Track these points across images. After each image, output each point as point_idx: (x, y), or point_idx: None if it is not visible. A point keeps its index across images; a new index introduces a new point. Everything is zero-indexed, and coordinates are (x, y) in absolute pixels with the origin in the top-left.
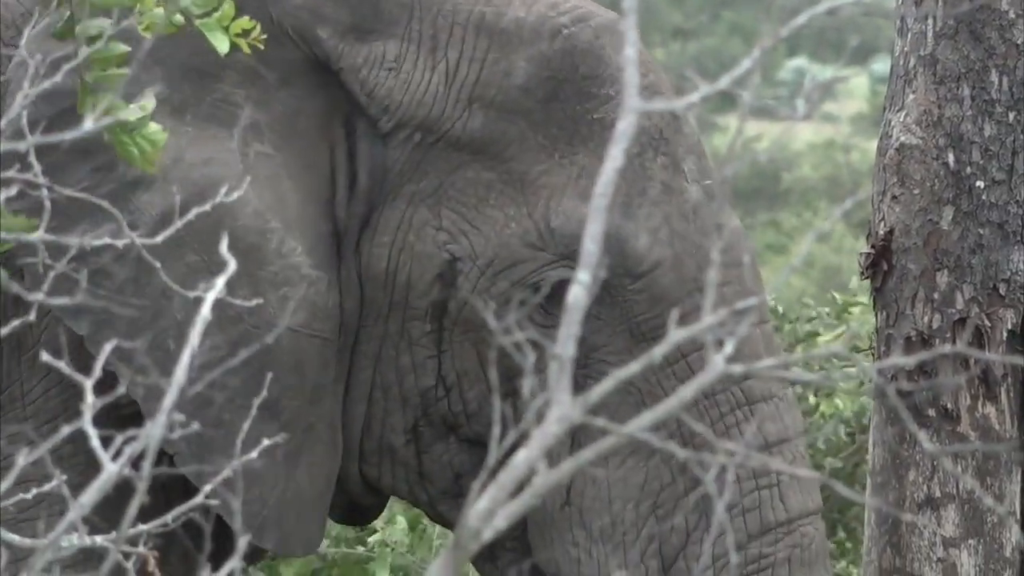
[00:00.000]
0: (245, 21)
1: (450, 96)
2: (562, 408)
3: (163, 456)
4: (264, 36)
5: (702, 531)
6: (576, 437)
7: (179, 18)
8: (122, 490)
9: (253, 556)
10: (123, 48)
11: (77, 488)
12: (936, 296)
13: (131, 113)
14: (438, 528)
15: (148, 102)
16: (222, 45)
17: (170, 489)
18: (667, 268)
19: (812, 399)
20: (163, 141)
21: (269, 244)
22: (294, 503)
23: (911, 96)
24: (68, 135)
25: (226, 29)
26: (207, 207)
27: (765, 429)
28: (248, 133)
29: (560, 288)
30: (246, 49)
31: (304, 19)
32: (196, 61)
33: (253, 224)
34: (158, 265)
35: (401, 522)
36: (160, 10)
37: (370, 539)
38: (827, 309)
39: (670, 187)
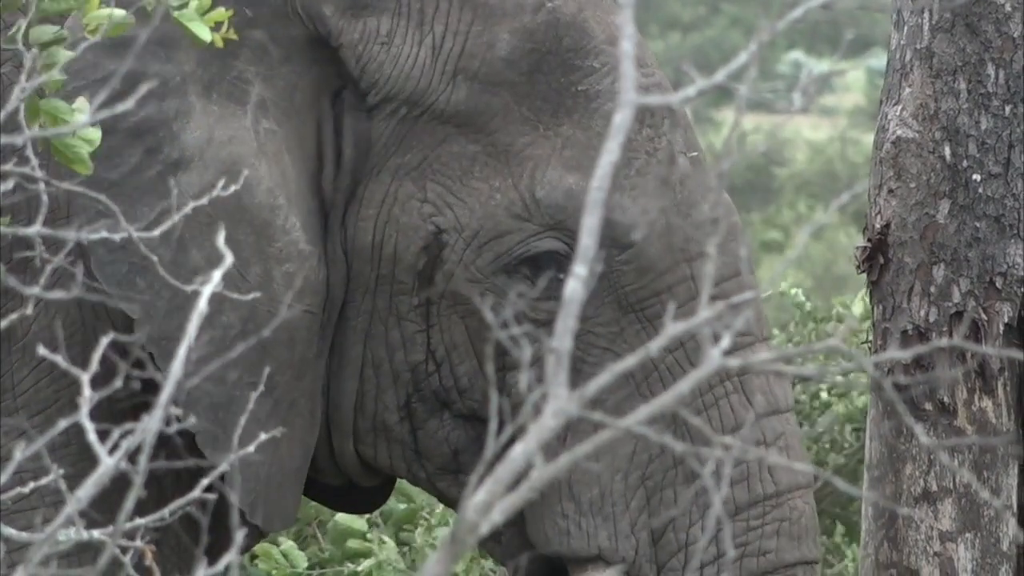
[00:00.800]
0: (220, 12)
1: (435, 69)
2: (559, 401)
3: (159, 449)
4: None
5: (691, 503)
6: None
7: (131, 18)
8: (117, 483)
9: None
10: (68, 54)
11: (71, 480)
12: (933, 290)
13: (67, 112)
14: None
15: (81, 104)
16: (204, 35)
17: (165, 480)
18: (654, 239)
19: (825, 396)
20: (98, 141)
21: (277, 220)
22: (276, 478)
23: (907, 89)
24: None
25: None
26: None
27: (756, 401)
28: (258, 110)
29: (545, 258)
30: (219, 43)
31: None
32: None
33: (266, 201)
34: (155, 258)
35: (391, 544)
36: (105, 11)
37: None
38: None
39: (656, 158)
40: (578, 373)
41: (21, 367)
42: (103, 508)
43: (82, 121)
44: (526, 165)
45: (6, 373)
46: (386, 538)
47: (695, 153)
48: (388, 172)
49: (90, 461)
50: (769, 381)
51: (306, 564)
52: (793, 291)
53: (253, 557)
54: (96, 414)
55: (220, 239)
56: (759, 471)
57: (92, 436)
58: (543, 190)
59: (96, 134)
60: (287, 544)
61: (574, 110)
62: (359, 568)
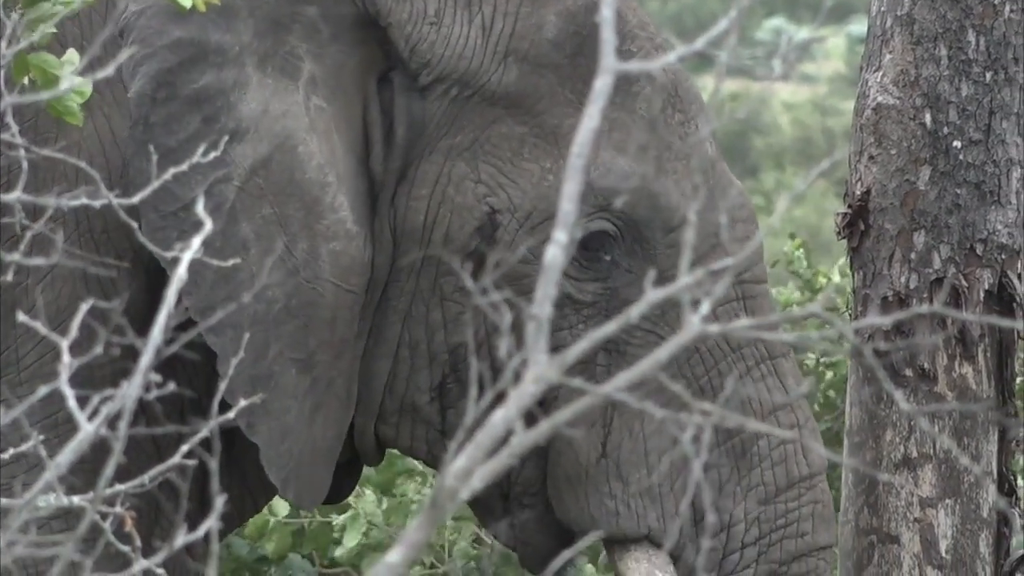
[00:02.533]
0: None
1: (487, 50)
2: (539, 368)
3: (139, 416)
4: None
5: (734, 484)
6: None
7: None
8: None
9: (230, 521)
10: (57, 9)
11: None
12: (913, 256)
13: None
14: (412, 493)
15: (71, 56)
16: (186, 1)
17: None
18: (699, 223)
19: (811, 362)
20: (88, 93)
21: (326, 198)
22: (309, 456)
23: (888, 56)
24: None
25: None
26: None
27: (788, 385)
28: (308, 86)
29: (595, 239)
30: (201, 7)
31: None
32: (277, 13)
33: (317, 178)
34: (135, 225)
35: (371, 495)
36: None
37: (339, 517)
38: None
39: (689, 143)
40: (622, 356)
41: (26, 341)
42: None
43: (70, 74)
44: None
45: (11, 347)
46: (367, 491)
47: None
48: (441, 152)
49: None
50: (795, 366)
51: (286, 512)
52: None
53: None
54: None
55: (199, 207)
56: (795, 453)
57: (72, 402)
58: (596, 172)
59: (87, 87)
60: None
61: (615, 93)
62: (337, 519)
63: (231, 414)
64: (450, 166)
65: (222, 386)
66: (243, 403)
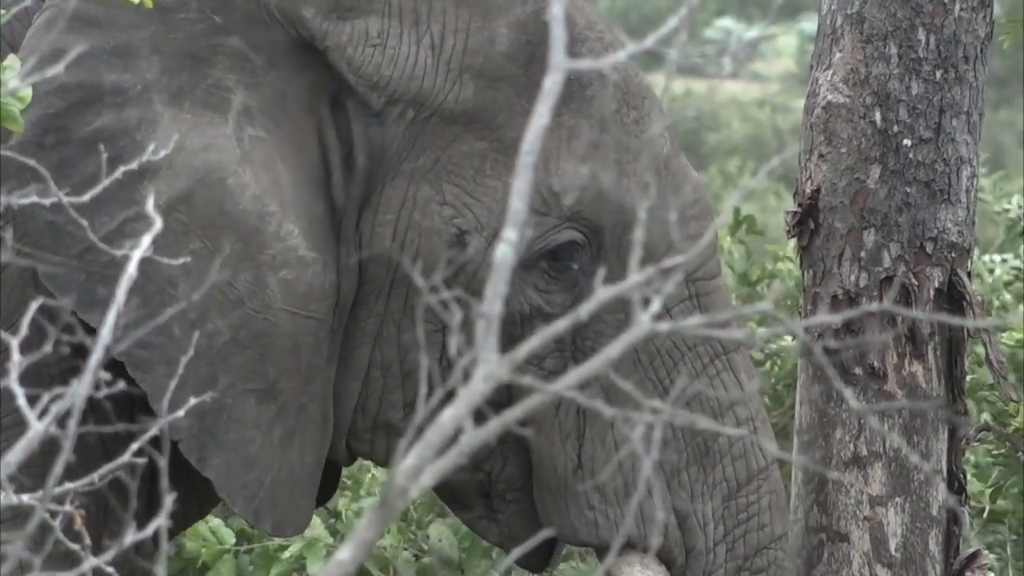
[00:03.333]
0: None
1: (439, 68)
2: (489, 366)
3: (88, 415)
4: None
5: (701, 483)
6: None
7: None
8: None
9: (185, 517)
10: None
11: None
12: (863, 254)
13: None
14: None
15: (11, 62)
16: None
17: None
18: (654, 221)
19: (759, 355)
20: (29, 98)
21: (268, 227)
22: (287, 484)
23: (838, 54)
24: None
25: None
26: (133, 165)
27: (742, 379)
28: (241, 117)
29: (563, 250)
30: (148, 4)
31: (288, 0)
32: (190, 47)
33: (253, 208)
34: (84, 223)
35: (317, 520)
36: None
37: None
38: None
39: (643, 142)
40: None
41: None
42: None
43: (10, 79)
44: (538, 160)
45: None
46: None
47: (668, 134)
48: (404, 176)
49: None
50: (748, 359)
51: (233, 540)
52: (727, 246)
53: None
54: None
55: (149, 204)
56: (752, 446)
57: (21, 400)
58: (559, 183)
59: (27, 92)
60: (215, 521)
61: (571, 99)
62: (289, 548)
63: (180, 412)
64: (414, 190)
65: (161, 421)
66: (193, 401)
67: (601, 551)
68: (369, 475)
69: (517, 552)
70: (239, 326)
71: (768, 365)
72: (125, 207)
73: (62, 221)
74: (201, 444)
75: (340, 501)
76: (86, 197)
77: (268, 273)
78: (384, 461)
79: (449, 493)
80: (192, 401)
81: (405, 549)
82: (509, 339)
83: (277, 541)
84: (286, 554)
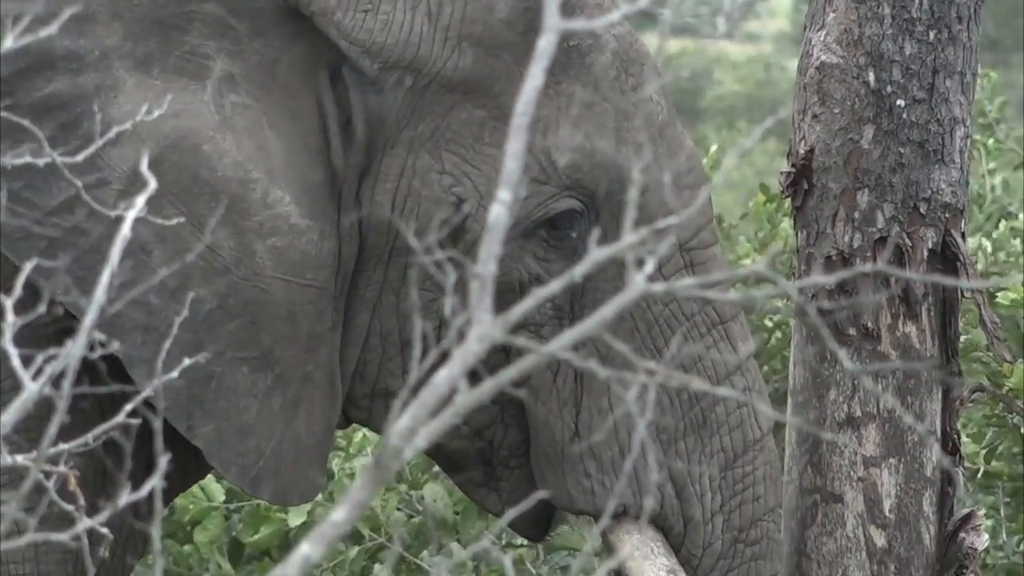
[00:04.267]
0: None
1: (436, 36)
2: (483, 327)
3: (83, 375)
4: None
5: (699, 452)
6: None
7: None
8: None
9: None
10: None
11: None
12: (857, 215)
13: None
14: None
15: None
16: None
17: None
18: (652, 189)
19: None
20: None
21: (252, 194)
22: (291, 452)
23: (832, 15)
24: None
25: None
26: (127, 125)
27: (740, 348)
28: (222, 85)
29: (562, 218)
30: None
31: None
32: (159, 14)
33: (233, 174)
34: (79, 184)
35: None
36: None
37: None
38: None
39: (642, 109)
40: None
41: None
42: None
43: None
44: (536, 127)
45: None
46: None
47: (666, 101)
48: (403, 145)
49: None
50: (745, 329)
51: (223, 498)
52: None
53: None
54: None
55: (143, 164)
56: (749, 416)
57: (16, 362)
58: (558, 151)
59: None
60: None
61: (569, 67)
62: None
63: (175, 373)
64: (413, 159)
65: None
66: (187, 362)
67: (598, 519)
68: (360, 435)
69: (511, 513)
70: (226, 294)
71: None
72: (84, 173)
73: (18, 187)
74: (189, 412)
75: (333, 461)
76: (79, 157)
77: (255, 240)
78: (381, 428)
79: (450, 462)
80: (186, 362)
81: (399, 509)
82: (508, 308)
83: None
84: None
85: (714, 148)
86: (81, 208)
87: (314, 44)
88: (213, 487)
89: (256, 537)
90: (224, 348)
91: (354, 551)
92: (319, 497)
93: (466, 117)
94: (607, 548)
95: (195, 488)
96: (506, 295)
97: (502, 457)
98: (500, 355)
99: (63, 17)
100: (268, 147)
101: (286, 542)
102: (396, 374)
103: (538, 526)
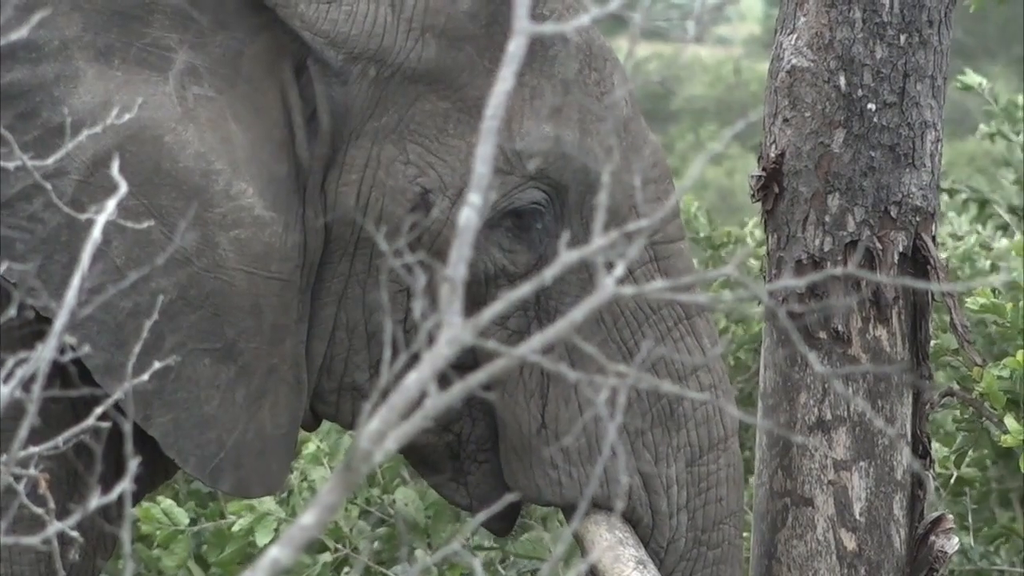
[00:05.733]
0: None
1: (400, 26)
2: (453, 330)
3: (53, 379)
4: None
5: (665, 446)
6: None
7: None
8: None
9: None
10: None
11: None
12: (827, 219)
13: None
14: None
15: None
16: None
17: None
18: (616, 183)
19: (723, 321)
20: None
21: (215, 186)
22: (254, 444)
23: (802, 19)
24: None
25: None
26: (97, 128)
27: (704, 344)
28: (185, 77)
29: (527, 210)
30: None
31: None
32: (120, 5)
33: (195, 166)
34: (48, 186)
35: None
36: None
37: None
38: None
39: (605, 103)
40: (552, 323)
41: None
42: None
43: None
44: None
45: None
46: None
47: (629, 94)
48: (368, 136)
49: None
50: (711, 324)
51: (187, 521)
52: (694, 210)
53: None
54: None
55: (114, 169)
56: (715, 413)
57: None
58: (522, 142)
59: None
60: (167, 502)
61: (532, 59)
62: (238, 522)
63: (145, 376)
64: (378, 149)
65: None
66: (157, 365)
67: (566, 510)
68: (315, 447)
69: (483, 515)
70: (187, 285)
71: (732, 331)
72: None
73: None
74: (147, 402)
75: (291, 475)
76: (49, 161)
77: (217, 232)
78: (349, 424)
79: (418, 456)
80: (156, 365)
81: (369, 512)
82: (473, 299)
83: (231, 519)
84: (236, 527)
85: (684, 142)
86: (39, 197)
87: (278, 36)
88: (177, 512)
89: (221, 556)
90: (185, 339)
91: (325, 558)
92: (283, 514)
93: (430, 108)
94: (576, 540)
95: (159, 513)
96: (472, 287)
97: (470, 451)
98: (466, 352)
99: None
100: (232, 139)
101: (251, 559)
102: (362, 367)
103: (504, 520)
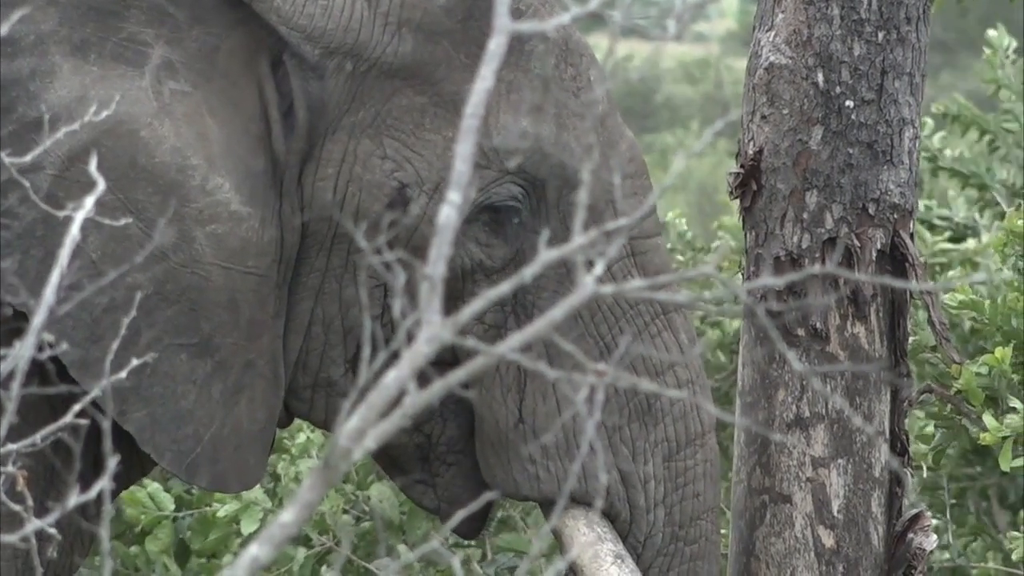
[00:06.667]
0: None
1: (376, 21)
2: (433, 328)
3: (32, 376)
4: None
5: (643, 440)
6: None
7: None
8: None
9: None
10: None
11: None
12: (805, 216)
13: None
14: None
15: None
16: None
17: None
18: (593, 179)
19: (697, 324)
20: None
21: (191, 181)
22: (231, 439)
23: (780, 15)
24: None
25: None
26: (75, 126)
27: (681, 340)
28: (161, 72)
29: (505, 204)
30: None
31: None
32: (95, 0)
33: (171, 161)
34: (27, 184)
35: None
36: None
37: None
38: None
39: (582, 99)
40: (529, 317)
41: None
42: None
43: None
44: None
45: None
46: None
47: (606, 90)
48: (344, 131)
49: None
50: (688, 320)
51: (173, 507)
52: (673, 218)
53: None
54: None
55: (92, 166)
56: (693, 409)
57: None
58: (499, 136)
59: None
60: (153, 486)
61: (510, 53)
62: (223, 508)
63: (123, 374)
64: (355, 144)
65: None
66: (135, 362)
67: (543, 505)
68: (304, 437)
69: (461, 514)
70: (164, 280)
71: (709, 333)
72: (16, 159)
73: None
74: (123, 397)
75: (279, 464)
76: (27, 158)
77: (194, 227)
78: (322, 421)
79: (387, 457)
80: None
81: (346, 512)
82: (450, 293)
83: (216, 507)
84: (221, 513)
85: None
86: (14, 193)
87: (254, 31)
88: (163, 496)
89: (205, 543)
90: (161, 334)
91: (302, 554)
92: (269, 504)
93: (407, 103)
94: (555, 536)
95: (144, 497)
96: (449, 282)
97: (439, 452)
98: (446, 347)
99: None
100: (208, 134)
101: (234, 547)
102: (338, 363)
103: (473, 521)
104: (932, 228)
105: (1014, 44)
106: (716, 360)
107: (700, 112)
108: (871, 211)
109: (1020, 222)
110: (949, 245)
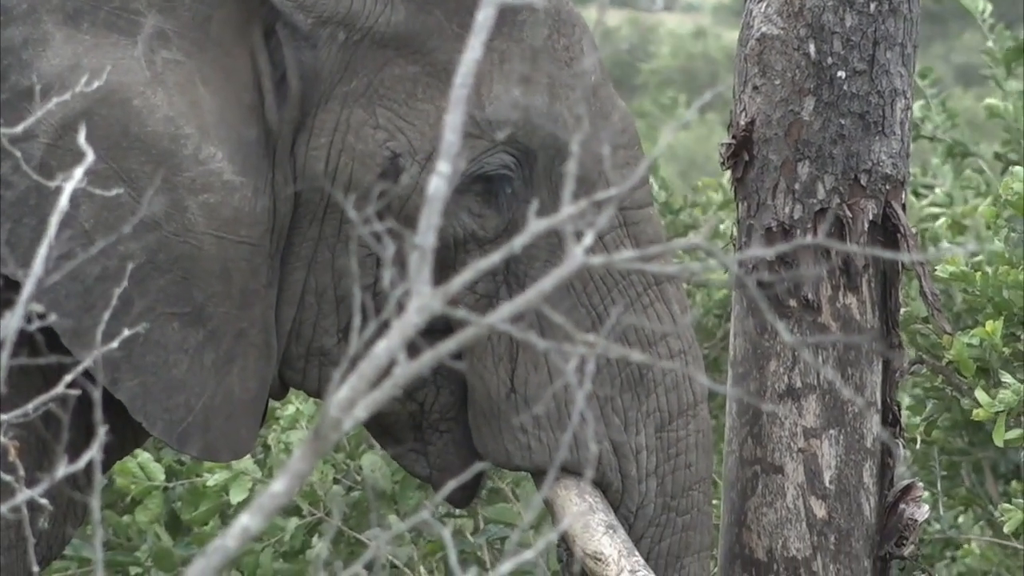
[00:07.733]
0: None
1: None
2: (423, 298)
3: (22, 347)
4: None
5: (635, 411)
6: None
7: None
8: None
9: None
10: None
11: None
12: (797, 187)
13: None
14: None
15: None
16: None
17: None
18: (585, 149)
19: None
20: None
21: (184, 150)
22: (223, 409)
23: None
24: None
25: None
26: (67, 96)
27: (673, 310)
28: (154, 41)
29: (496, 174)
30: None
31: None
32: None
33: (164, 130)
34: (18, 154)
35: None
36: None
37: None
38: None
39: (574, 69)
40: (521, 287)
41: None
42: None
43: None
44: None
45: None
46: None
47: (598, 60)
48: (337, 100)
49: None
50: (680, 290)
51: (163, 476)
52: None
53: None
54: None
55: (81, 137)
56: (684, 379)
57: None
58: (491, 106)
59: None
60: (144, 456)
61: (502, 23)
62: (213, 478)
63: (114, 343)
64: (347, 113)
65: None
66: (126, 332)
67: (535, 475)
68: (294, 408)
69: (452, 484)
70: (156, 249)
71: (697, 297)
72: (11, 126)
73: None
74: (114, 366)
75: (270, 435)
76: (18, 128)
77: (187, 196)
78: (316, 391)
79: (380, 426)
80: (125, 332)
81: (336, 482)
82: (442, 263)
83: (206, 476)
84: (211, 482)
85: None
86: (7, 162)
87: (248, 3)
88: (153, 467)
89: (195, 514)
90: (153, 303)
91: (293, 524)
92: (259, 474)
93: (399, 73)
94: (547, 506)
95: (135, 467)
96: (441, 251)
97: (432, 420)
98: (437, 316)
99: None
100: (201, 103)
101: (225, 517)
102: (331, 332)
103: (465, 490)
104: (916, 195)
105: (989, 8)
106: (706, 326)
107: (685, 84)
108: (863, 182)
109: (1016, 185)
110: (937, 209)
